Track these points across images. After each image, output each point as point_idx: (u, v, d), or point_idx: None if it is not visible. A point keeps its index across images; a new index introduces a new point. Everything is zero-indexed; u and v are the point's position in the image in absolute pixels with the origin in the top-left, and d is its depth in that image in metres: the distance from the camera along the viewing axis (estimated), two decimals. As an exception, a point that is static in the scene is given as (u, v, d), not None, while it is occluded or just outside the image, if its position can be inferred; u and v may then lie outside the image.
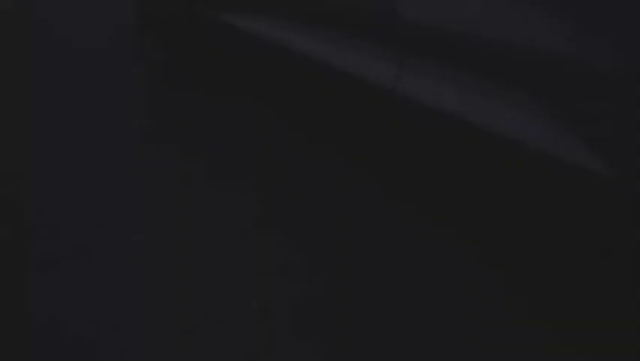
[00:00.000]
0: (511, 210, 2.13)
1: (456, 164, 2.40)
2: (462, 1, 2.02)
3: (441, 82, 2.14)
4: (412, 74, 2.21)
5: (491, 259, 1.89)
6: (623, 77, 1.65)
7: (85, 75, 3.13)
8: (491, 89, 1.97)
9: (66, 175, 2.25)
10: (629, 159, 1.66)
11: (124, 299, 1.67)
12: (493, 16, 1.92)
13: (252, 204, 2.13)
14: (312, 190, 2.20)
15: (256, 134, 2.64)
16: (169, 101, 2.91)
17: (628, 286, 1.69)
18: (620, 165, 1.67)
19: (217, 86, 3.01)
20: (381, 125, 2.73)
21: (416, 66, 2.20)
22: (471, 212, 2.12)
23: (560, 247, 1.89)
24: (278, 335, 1.56)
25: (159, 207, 2.09)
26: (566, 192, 2.02)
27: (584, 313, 1.66)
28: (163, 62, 3.30)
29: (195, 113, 2.78)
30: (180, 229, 1.99)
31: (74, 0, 4.25)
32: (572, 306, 1.68)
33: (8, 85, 2.96)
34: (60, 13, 3.98)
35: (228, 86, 3.00)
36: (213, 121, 2.70)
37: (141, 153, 2.44)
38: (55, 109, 2.76)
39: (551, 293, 1.73)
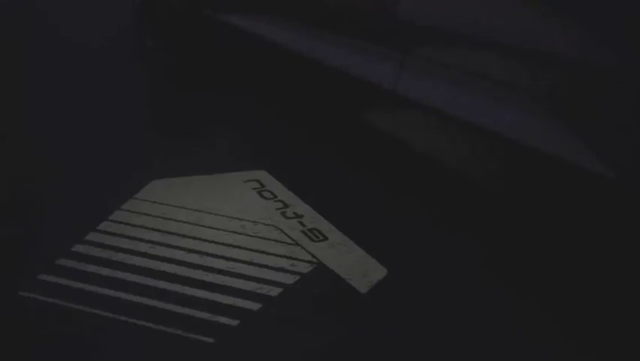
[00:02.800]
0: (510, 210, 2.13)
1: (456, 163, 2.41)
2: (462, 1, 2.02)
3: (441, 82, 2.14)
4: (412, 74, 2.21)
5: (491, 258, 1.89)
6: (623, 77, 1.65)
7: (85, 75, 3.13)
8: (491, 89, 1.97)
9: (65, 176, 2.25)
10: (629, 159, 1.66)
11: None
12: (494, 17, 1.92)
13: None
14: (311, 189, 2.19)
15: (256, 133, 2.64)
16: (169, 101, 2.91)
17: (628, 286, 1.69)
18: (620, 165, 1.67)
19: (217, 86, 3.00)
20: (380, 124, 2.74)
21: (416, 66, 2.20)
22: (471, 211, 2.12)
23: (560, 247, 1.89)
24: (278, 334, 1.55)
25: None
26: (566, 192, 2.02)
27: (583, 313, 1.66)
28: (163, 62, 3.31)
29: (196, 112, 2.78)
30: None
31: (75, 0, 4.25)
32: (571, 305, 1.68)
33: (7, 87, 2.96)
34: (60, 13, 3.98)
35: (228, 85, 3.00)
36: (213, 120, 2.70)
37: (141, 152, 2.43)
38: (55, 109, 2.76)
39: (551, 293, 1.73)
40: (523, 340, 1.56)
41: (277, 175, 2.25)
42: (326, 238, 1.91)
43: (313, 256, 1.82)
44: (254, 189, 2.17)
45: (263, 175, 2.25)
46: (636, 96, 1.61)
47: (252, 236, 1.91)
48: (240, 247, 1.85)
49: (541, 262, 1.84)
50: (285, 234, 1.92)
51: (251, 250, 1.84)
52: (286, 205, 2.07)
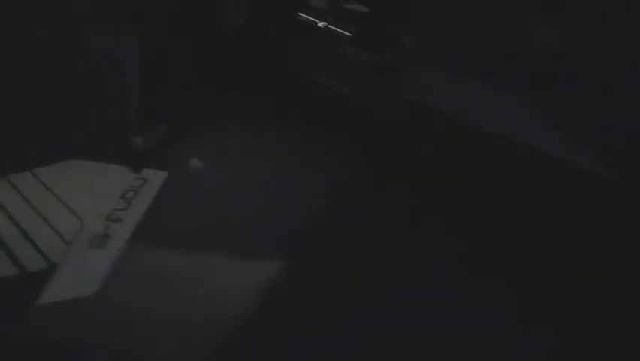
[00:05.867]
0: (511, 210, 2.13)
1: (456, 163, 2.40)
2: (464, 2, 2.03)
3: (442, 82, 2.14)
4: (414, 75, 2.21)
5: (491, 258, 1.89)
6: (623, 78, 1.66)
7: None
8: (492, 89, 1.98)
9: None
10: (630, 160, 1.66)
11: (125, 285, 1.67)
12: (495, 18, 1.93)
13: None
14: (310, 188, 2.18)
15: (256, 133, 2.63)
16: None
17: (628, 286, 1.69)
18: (621, 165, 1.68)
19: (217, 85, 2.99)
20: (382, 124, 2.73)
21: (417, 67, 2.21)
22: (471, 211, 2.11)
23: (560, 247, 1.89)
24: (279, 333, 1.56)
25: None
26: (567, 192, 2.03)
27: (583, 313, 1.66)
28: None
29: (198, 112, 2.77)
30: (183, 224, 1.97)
31: None
32: (571, 305, 1.69)
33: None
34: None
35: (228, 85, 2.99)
36: (214, 120, 2.69)
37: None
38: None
39: (551, 292, 1.73)
40: (519, 339, 1.56)
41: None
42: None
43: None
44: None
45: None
46: (636, 96, 1.62)
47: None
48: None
49: (541, 263, 1.84)
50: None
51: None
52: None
